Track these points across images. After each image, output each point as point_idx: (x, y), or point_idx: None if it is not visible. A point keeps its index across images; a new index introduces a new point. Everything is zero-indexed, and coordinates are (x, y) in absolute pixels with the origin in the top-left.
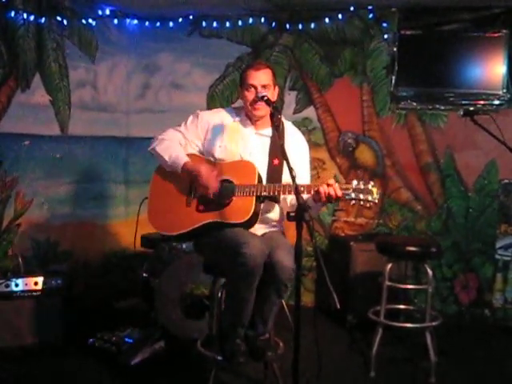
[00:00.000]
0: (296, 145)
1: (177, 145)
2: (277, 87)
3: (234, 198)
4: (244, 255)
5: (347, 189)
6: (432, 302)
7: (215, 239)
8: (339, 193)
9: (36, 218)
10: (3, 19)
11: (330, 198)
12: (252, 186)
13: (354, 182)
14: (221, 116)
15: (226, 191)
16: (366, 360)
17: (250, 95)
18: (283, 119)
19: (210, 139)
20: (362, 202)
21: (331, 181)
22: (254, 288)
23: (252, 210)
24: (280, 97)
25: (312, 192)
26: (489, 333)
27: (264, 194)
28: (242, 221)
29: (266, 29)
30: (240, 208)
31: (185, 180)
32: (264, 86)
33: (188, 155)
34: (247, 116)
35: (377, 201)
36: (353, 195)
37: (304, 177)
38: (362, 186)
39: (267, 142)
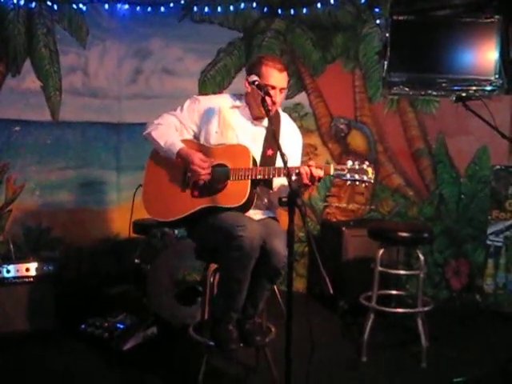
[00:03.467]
0: (290, 137)
1: (172, 130)
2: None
3: (228, 182)
4: (241, 238)
5: (342, 169)
6: (423, 287)
7: (211, 223)
8: (321, 173)
9: (27, 204)
10: None
11: (312, 179)
12: (247, 170)
13: (349, 163)
14: (218, 101)
15: (221, 175)
16: (358, 345)
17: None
18: (279, 110)
19: (207, 125)
20: (357, 183)
21: (312, 162)
22: (249, 271)
23: (247, 194)
24: None
25: (294, 176)
26: (480, 318)
27: (259, 177)
28: (238, 204)
29: (258, 14)
30: (235, 192)
31: (179, 166)
32: (282, 89)
33: (183, 141)
34: (247, 103)
35: (372, 180)
36: (348, 176)
37: None
38: (356, 167)
39: (263, 131)
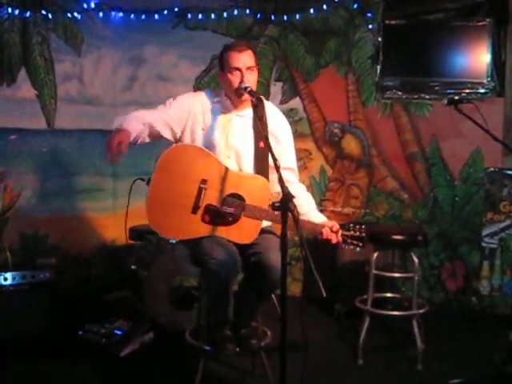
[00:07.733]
0: (278, 127)
1: (139, 119)
2: (257, 67)
3: (242, 217)
4: (213, 271)
5: (346, 236)
6: (419, 289)
7: (195, 243)
8: (340, 239)
9: (24, 211)
10: None
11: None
12: (263, 211)
13: (351, 230)
14: (200, 98)
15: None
16: (354, 348)
17: (235, 78)
18: (264, 100)
19: (192, 123)
20: (351, 246)
21: (336, 227)
22: (230, 291)
23: (258, 233)
24: (262, 84)
25: (316, 226)
26: (476, 320)
27: (268, 220)
28: (247, 242)
29: (252, 20)
30: (247, 229)
31: (195, 182)
32: (249, 68)
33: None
34: (227, 96)
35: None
36: (348, 240)
37: (289, 158)
38: (357, 234)
39: (249, 123)
